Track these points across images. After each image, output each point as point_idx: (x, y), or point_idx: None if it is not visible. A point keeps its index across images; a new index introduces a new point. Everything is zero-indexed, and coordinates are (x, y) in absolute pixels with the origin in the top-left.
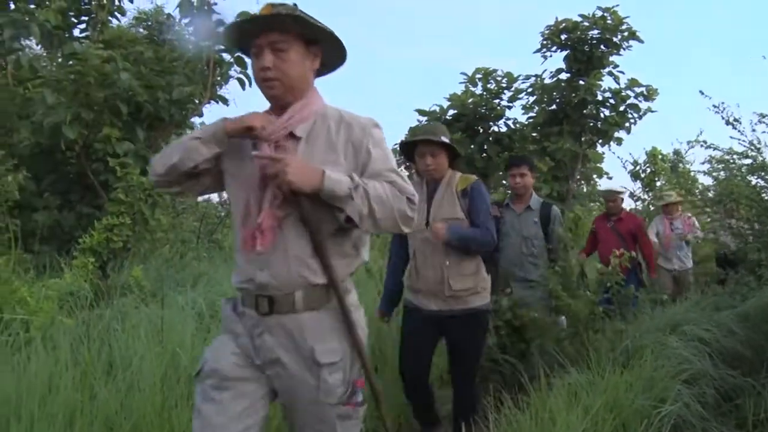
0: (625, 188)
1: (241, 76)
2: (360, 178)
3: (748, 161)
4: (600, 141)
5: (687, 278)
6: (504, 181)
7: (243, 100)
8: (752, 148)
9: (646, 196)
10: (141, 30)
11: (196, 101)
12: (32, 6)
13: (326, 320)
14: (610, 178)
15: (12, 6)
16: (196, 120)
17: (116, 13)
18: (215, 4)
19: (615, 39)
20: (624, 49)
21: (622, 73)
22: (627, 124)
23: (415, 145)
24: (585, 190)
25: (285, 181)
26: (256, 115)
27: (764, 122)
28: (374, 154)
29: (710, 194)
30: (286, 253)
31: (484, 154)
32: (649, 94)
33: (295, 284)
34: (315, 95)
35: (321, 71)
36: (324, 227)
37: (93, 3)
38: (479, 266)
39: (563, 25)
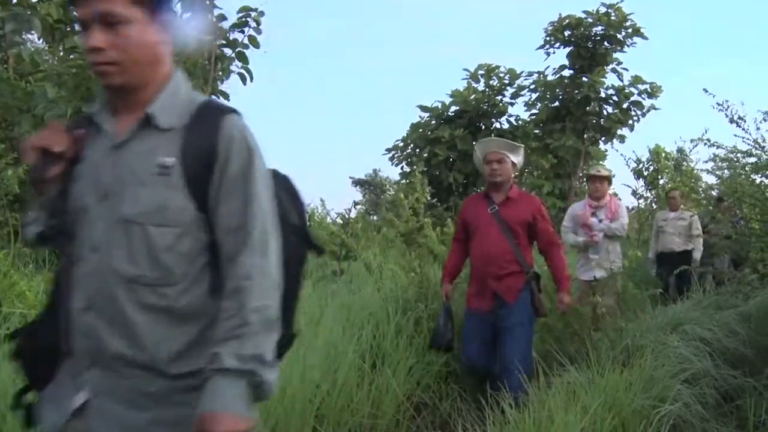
0: (518, 145)
1: (242, 71)
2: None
3: (753, 160)
4: (603, 138)
5: (612, 287)
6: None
7: (244, 94)
8: (757, 146)
9: (649, 194)
10: None
11: None
12: (34, 0)
13: None
14: (614, 176)
15: (14, 0)
16: None
17: None
18: None
19: (619, 36)
20: (628, 45)
21: (626, 70)
22: (630, 122)
23: None
24: (587, 187)
25: None
26: None
27: None
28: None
29: (714, 192)
30: None
31: None
32: (653, 92)
33: None
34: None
35: None
36: None
37: None
38: None
39: (567, 21)
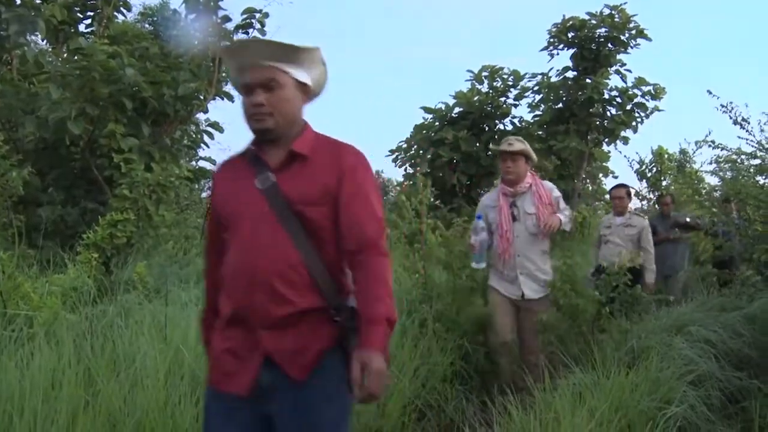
0: (304, 47)
1: None
2: None
3: (757, 162)
4: (606, 140)
5: (540, 308)
6: None
7: None
8: (761, 148)
9: (652, 196)
10: (146, 26)
11: (201, 97)
12: (38, 1)
13: None
14: (616, 177)
15: (18, 1)
16: (200, 116)
17: (122, 8)
18: (221, 0)
19: (623, 37)
20: (632, 47)
21: (630, 71)
22: (634, 123)
23: None
24: (590, 189)
25: None
26: None
27: None
28: None
29: (717, 194)
30: None
31: (490, 153)
32: (657, 93)
33: None
34: None
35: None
36: None
37: None
38: None
39: (570, 23)
